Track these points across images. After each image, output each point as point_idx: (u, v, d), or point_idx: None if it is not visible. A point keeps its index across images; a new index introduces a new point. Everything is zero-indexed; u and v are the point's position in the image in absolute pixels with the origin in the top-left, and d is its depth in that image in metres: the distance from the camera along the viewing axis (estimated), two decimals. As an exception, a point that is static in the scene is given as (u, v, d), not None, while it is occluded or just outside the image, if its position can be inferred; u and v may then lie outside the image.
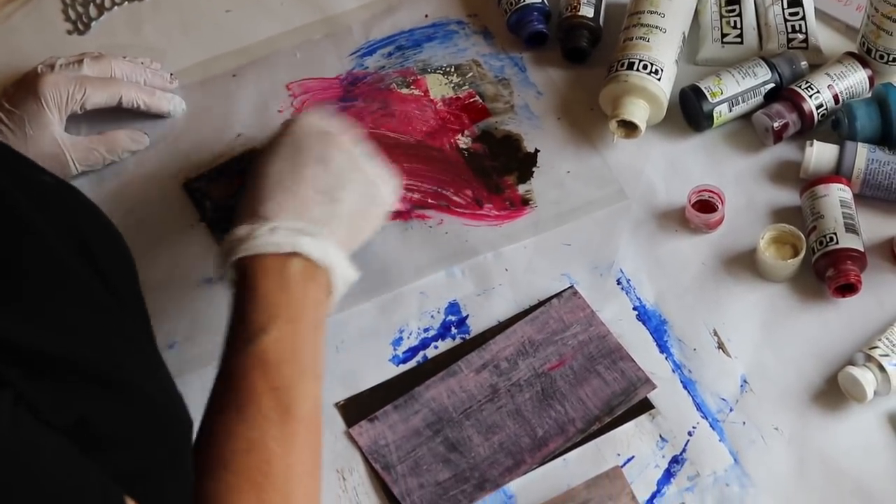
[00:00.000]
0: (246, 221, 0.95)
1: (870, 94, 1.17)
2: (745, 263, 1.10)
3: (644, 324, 1.08)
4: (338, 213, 0.97)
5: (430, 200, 1.15)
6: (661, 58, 1.17)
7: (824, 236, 1.07)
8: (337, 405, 1.05)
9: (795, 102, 1.15)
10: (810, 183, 1.11)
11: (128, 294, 0.85)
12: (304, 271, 0.94)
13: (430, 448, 1.02)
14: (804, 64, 1.19)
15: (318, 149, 0.98)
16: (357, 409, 1.04)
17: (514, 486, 1.00)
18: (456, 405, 1.04)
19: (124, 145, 1.18)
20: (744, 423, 1.02)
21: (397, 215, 1.14)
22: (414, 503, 0.99)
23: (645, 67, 1.16)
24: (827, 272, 1.07)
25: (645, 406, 1.03)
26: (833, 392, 1.03)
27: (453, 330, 1.08)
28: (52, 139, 1.14)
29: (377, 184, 1.01)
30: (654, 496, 0.99)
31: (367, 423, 1.03)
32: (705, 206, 1.12)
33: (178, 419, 0.83)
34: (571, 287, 1.09)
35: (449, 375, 1.05)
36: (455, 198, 1.15)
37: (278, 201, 0.96)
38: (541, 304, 1.09)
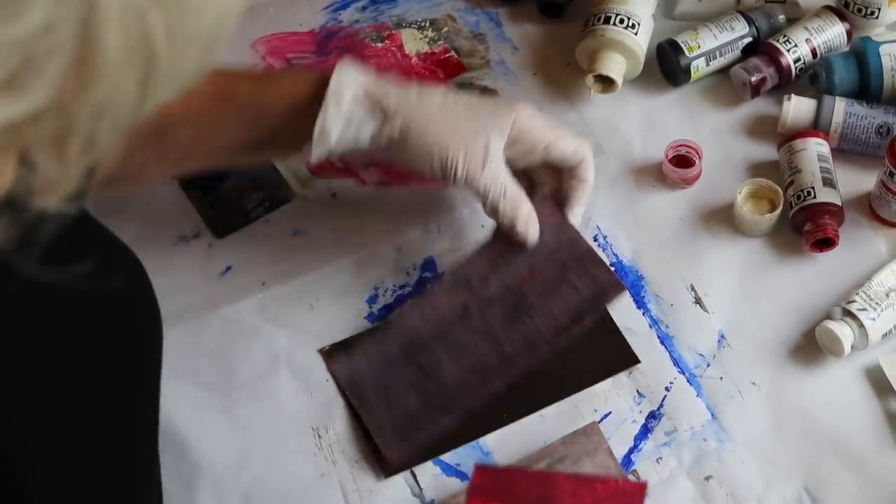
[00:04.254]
0: None
1: (847, 48, 1.17)
2: (722, 218, 1.10)
3: (621, 279, 1.07)
4: None
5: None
6: (638, 12, 1.16)
7: (802, 191, 1.07)
8: (321, 351, 1.04)
9: (773, 56, 1.15)
10: (788, 137, 1.10)
11: (142, 375, 0.79)
12: None
13: (402, 376, 1.00)
14: (782, 18, 1.18)
15: None
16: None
17: (491, 442, 0.99)
18: (428, 328, 1.02)
19: None
20: (721, 378, 1.02)
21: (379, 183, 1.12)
22: (385, 432, 0.99)
23: (622, 21, 1.15)
24: (804, 227, 1.06)
25: (625, 361, 1.02)
26: (810, 347, 1.03)
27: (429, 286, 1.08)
28: None
29: None
30: (631, 451, 0.99)
31: (346, 357, 1.03)
32: (682, 161, 1.12)
33: None
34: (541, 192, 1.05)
35: (421, 298, 1.04)
36: None
37: None
38: None
